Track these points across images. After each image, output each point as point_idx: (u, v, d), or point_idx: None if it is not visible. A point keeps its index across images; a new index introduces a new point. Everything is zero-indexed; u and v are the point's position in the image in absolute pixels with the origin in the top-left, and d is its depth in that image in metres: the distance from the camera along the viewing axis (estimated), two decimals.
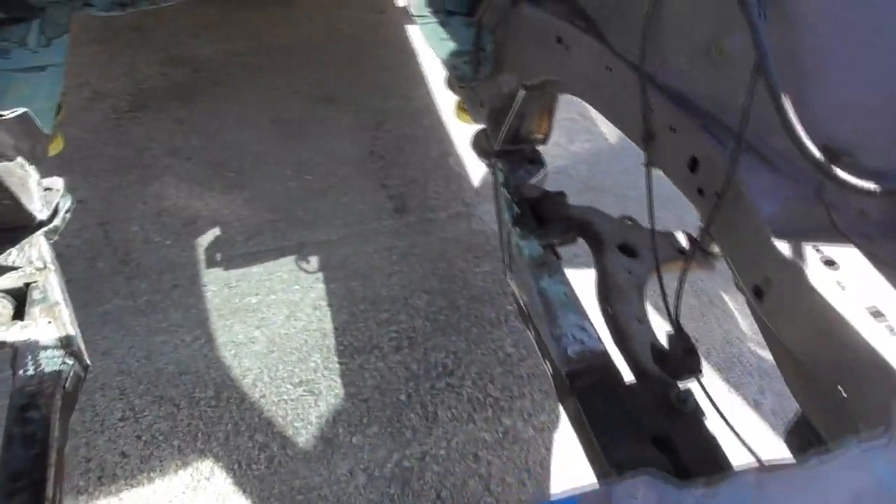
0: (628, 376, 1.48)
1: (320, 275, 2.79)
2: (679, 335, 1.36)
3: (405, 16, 4.05)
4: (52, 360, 1.40)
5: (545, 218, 1.77)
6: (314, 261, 2.83)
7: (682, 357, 1.33)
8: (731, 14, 1.11)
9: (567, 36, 1.51)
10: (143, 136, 3.28)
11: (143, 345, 2.51)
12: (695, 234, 1.88)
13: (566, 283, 1.65)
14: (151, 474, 2.20)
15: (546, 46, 1.57)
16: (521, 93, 1.72)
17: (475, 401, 2.47)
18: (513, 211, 1.78)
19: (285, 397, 2.42)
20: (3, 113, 1.53)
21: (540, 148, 2.04)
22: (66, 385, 1.39)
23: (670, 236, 1.83)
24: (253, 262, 2.80)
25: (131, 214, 2.94)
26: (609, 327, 1.56)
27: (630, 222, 1.86)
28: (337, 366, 2.52)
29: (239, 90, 3.55)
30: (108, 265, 2.75)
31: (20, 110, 1.65)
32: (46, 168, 3.02)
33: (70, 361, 1.42)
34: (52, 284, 1.53)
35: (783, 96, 1.03)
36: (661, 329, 1.59)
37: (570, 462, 2.35)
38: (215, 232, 2.90)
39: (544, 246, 1.71)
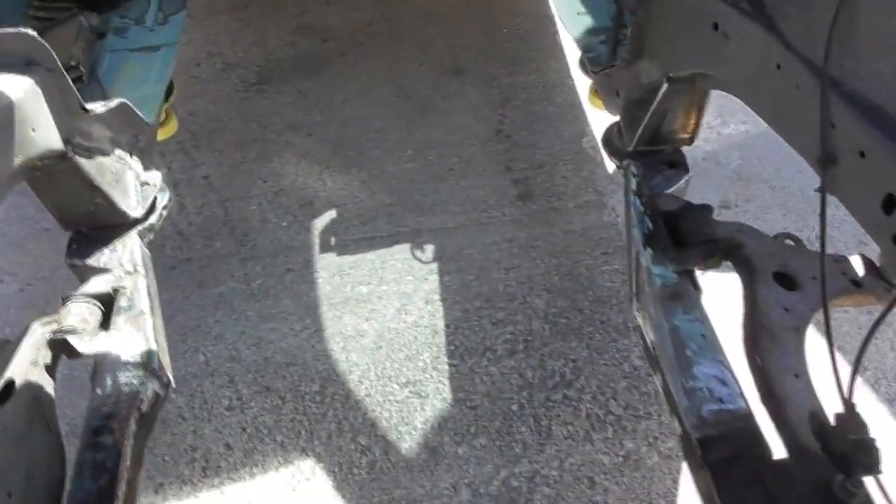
0: (778, 450, 1.19)
1: (434, 265, 2.63)
2: (851, 416, 1.06)
3: None
4: (129, 379, 1.32)
5: (684, 237, 1.48)
6: (429, 250, 2.67)
7: (854, 448, 1.03)
8: None
9: (727, 22, 1.21)
10: (267, 109, 3.23)
11: (253, 331, 2.47)
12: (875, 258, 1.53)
13: (705, 321, 1.37)
14: (254, 469, 2.16)
15: (699, 33, 1.27)
16: (665, 86, 1.43)
17: (594, 418, 2.23)
18: (644, 226, 1.51)
19: (391, 398, 2.30)
20: (93, 107, 1.45)
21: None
22: (143, 407, 1.31)
23: (843, 262, 1.49)
24: (367, 248, 2.68)
25: (251, 193, 2.90)
26: (756, 383, 1.27)
27: (791, 242, 1.53)
28: (446, 367, 2.36)
29: (365, 61, 3.41)
30: (225, 245, 2.73)
31: (116, 101, 1.57)
32: (174, 144, 3.06)
33: (149, 381, 1.33)
34: (139, 291, 1.45)
35: None
36: (825, 385, 1.29)
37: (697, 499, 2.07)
38: (331, 214, 2.80)
39: (681, 272, 1.43)
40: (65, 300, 1.44)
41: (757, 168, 2.84)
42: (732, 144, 2.92)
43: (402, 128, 3.10)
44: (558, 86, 3.21)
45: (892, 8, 0.92)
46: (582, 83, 3.21)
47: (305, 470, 2.15)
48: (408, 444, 2.20)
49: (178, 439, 2.22)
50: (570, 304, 2.50)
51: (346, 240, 2.72)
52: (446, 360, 2.38)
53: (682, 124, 1.54)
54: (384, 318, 2.49)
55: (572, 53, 3.35)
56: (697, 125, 1.55)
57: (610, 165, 2.91)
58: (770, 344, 1.30)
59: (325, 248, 2.70)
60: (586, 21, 2.00)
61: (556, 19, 3.49)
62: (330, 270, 2.63)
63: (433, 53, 3.41)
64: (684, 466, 2.16)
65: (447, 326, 2.46)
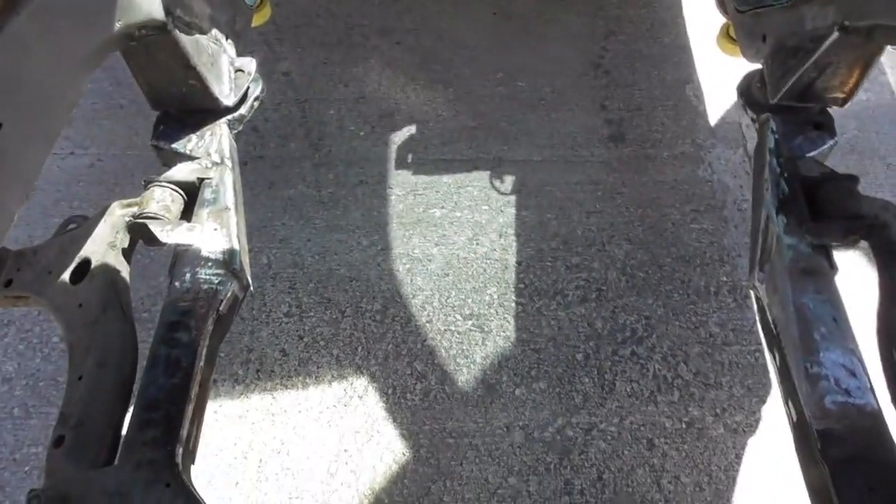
0: None
1: (513, 198, 2.50)
2: None
3: None
4: (209, 276, 1.24)
5: (823, 209, 1.32)
6: (509, 181, 2.54)
7: None
8: None
9: None
10: (357, 10, 3.07)
11: (319, 240, 2.39)
12: None
13: (839, 304, 1.23)
14: (307, 380, 2.12)
15: None
16: (835, 35, 1.25)
17: (661, 379, 2.13)
18: (779, 190, 1.35)
19: (452, 328, 2.22)
20: None
21: None
22: (221, 308, 1.23)
23: None
24: (444, 170, 2.56)
25: (331, 96, 2.78)
26: (889, 380, 1.15)
27: None
28: (513, 305, 2.27)
29: None
30: (299, 147, 2.63)
31: None
32: (256, 35, 2.94)
33: (229, 281, 1.25)
34: (226, 184, 1.37)
35: None
36: None
37: (760, 479, 1.98)
38: (410, 130, 2.67)
39: (816, 247, 1.29)
40: (147, 184, 1.36)
41: (874, 142, 2.61)
42: (849, 113, 2.66)
43: (495, 48, 2.92)
44: (668, 24, 2.98)
45: None
46: (694, 24, 2.97)
47: (359, 387, 2.10)
48: (465, 377, 2.13)
49: (235, 338, 2.19)
50: (651, 259, 2.36)
51: (423, 158, 2.60)
52: (514, 297, 2.28)
53: (842, 82, 1.36)
54: (454, 245, 2.39)
55: None
56: (858, 85, 1.37)
57: (713, 117, 2.71)
58: None
59: (402, 164, 2.58)
60: None
61: None
62: (404, 188, 2.52)
63: None
64: (750, 444, 2.07)
65: (518, 263, 2.35)
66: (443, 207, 2.48)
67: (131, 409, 1.12)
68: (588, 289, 2.30)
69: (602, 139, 2.65)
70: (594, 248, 2.39)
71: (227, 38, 1.58)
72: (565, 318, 2.24)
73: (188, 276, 1.25)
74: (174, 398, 1.10)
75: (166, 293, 1.26)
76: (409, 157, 2.60)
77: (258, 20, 2.04)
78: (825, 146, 1.42)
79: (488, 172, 2.56)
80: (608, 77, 2.82)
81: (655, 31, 2.96)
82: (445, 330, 2.22)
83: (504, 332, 2.22)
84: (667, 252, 2.39)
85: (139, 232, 1.29)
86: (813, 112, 1.48)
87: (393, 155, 2.61)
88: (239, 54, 1.67)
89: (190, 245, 1.28)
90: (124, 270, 1.27)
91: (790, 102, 1.44)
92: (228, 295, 1.25)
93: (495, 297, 2.29)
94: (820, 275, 1.26)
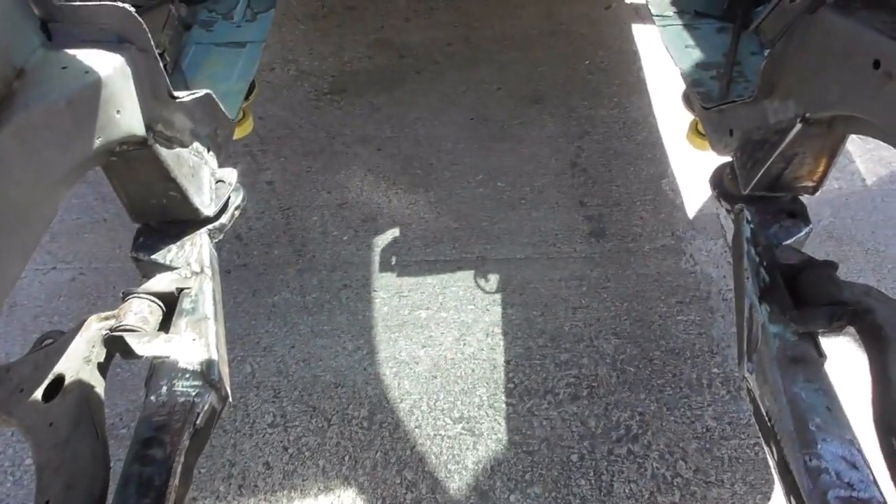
0: None
1: (498, 297, 2.49)
2: None
3: (633, 13, 3.63)
4: (186, 388, 1.21)
5: (805, 296, 1.32)
6: (493, 280, 2.54)
7: None
8: None
9: (891, 60, 1.07)
10: (338, 120, 3.16)
11: (304, 346, 2.36)
12: None
13: (830, 392, 1.21)
14: (292, 493, 2.03)
15: (854, 71, 1.13)
16: (798, 127, 1.29)
17: (661, 478, 2.06)
18: (760, 279, 1.35)
19: (442, 433, 2.16)
20: (180, 95, 1.37)
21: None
22: (198, 421, 1.19)
23: None
24: (428, 271, 2.56)
25: (314, 202, 2.81)
26: (889, 468, 1.11)
27: None
28: (503, 406, 2.21)
29: (442, 81, 3.33)
30: (283, 254, 2.64)
31: (202, 92, 1.49)
32: (241, 146, 3.00)
33: (207, 392, 1.22)
34: (205, 294, 1.35)
35: None
36: None
37: None
38: (394, 233, 2.69)
39: (802, 334, 1.28)
40: (125, 296, 1.35)
41: (850, 228, 2.65)
42: (823, 201, 2.74)
43: (474, 151, 2.99)
44: (640, 123, 3.08)
45: None
46: (666, 122, 3.07)
47: (346, 500, 2.02)
48: (457, 483, 2.05)
49: (217, 452, 2.11)
50: (641, 353, 2.34)
51: (407, 260, 2.61)
52: (504, 398, 2.23)
53: (810, 171, 1.39)
54: (441, 346, 2.36)
55: (657, 90, 3.22)
56: (826, 173, 1.40)
57: (690, 210, 2.76)
58: None
59: (385, 267, 2.59)
60: (695, 55, 1.87)
61: (640, 54, 3.37)
62: (388, 291, 2.51)
63: (511, 79, 3.31)
64: None
65: (507, 362, 2.32)
66: (428, 308, 2.46)
67: None
68: (579, 386, 2.26)
69: (583, 235, 2.68)
70: (582, 344, 2.36)
71: (208, 150, 1.61)
72: (557, 417, 2.19)
73: (164, 388, 1.21)
74: None
75: (142, 408, 1.21)
76: (393, 259, 2.61)
77: (241, 133, 2.09)
78: (801, 233, 1.44)
79: (472, 272, 2.57)
80: (586, 175, 2.89)
81: (628, 129, 3.06)
82: (435, 435, 2.16)
83: (495, 434, 2.16)
84: (656, 345, 2.36)
85: (115, 345, 1.26)
86: (785, 201, 1.50)
87: (377, 258, 2.62)
88: (221, 165, 1.70)
89: (167, 357, 1.25)
90: (99, 386, 1.24)
91: (762, 192, 1.47)
92: (206, 407, 1.21)
93: (485, 398, 2.24)
94: (809, 363, 1.24)
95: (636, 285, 2.52)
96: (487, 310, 2.46)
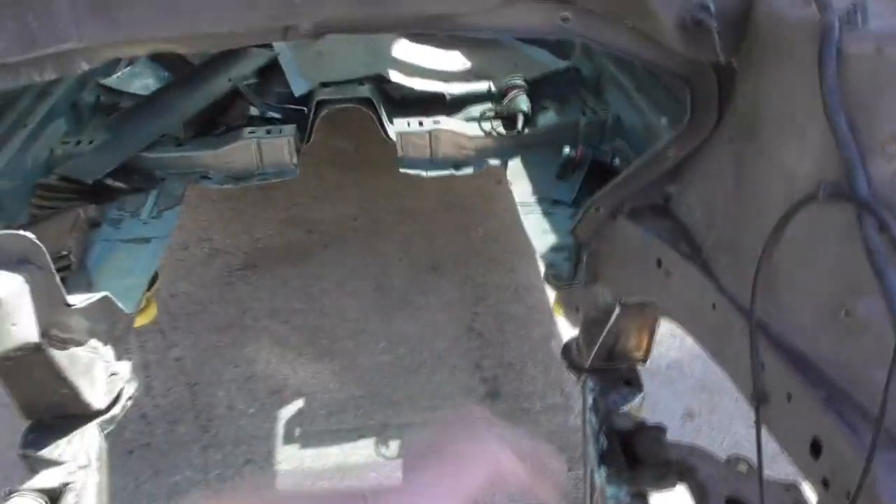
0: None
1: (398, 462, 2.58)
2: None
3: None
4: None
5: (638, 457, 1.51)
6: (394, 446, 2.65)
7: None
8: (862, 272, 0.89)
9: (669, 261, 1.33)
10: (248, 295, 3.32)
11: None
12: None
13: None
14: None
15: (645, 267, 1.39)
16: (618, 309, 1.53)
17: None
18: (600, 444, 1.54)
19: None
20: (76, 300, 1.51)
21: None
22: None
23: (793, 489, 1.51)
24: (331, 441, 2.66)
25: (221, 377, 2.91)
26: None
27: (746, 466, 1.56)
28: None
29: (347, 254, 3.57)
30: (188, 431, 2.69)
31: (99, 295, 1.64)
32: (150, 326, 3.10)
33: None
34: (88, 489, 1.43)
35: None
36: None
37: None
38: (299, 404, 2.80)
39: (635, 494, 1.45)
40: (10, 493, 1.41)
41: (721, 379, 2.89)
42: (695, 354, 3.00)
43: (377, 320, 3.18)
44: (529, 288, 3.35)
45: (806, 270, 1.03)
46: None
47: None
48: None
49: None
50: None
51: (311, 431, 2.70)
52: None
53: (636, 345, 1.63)
54: None
55: None
56: (650, 346, 1.64)
57: None
58: None
59: (289, 439, 2.67)
60: (551, 238, 2.14)
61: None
62: (291, 463, 2.58)
63: (412, 250, 3.58)
64: None
65: None
66: (331, 479, 2.53)
67: None
68: None
69: (480, 396, 2.84)
70: None
71: (104, 345, 1.73)
72: None
73: None
74: None
75: None
76: (297, 430, 2.70)
77: (143, 319, 2.21)
78: (635, 399, 1.65)
79: (374, 439, 2.67)
80: (481, 339, 3.10)
81: (519, 293, 3.33)
82: None
83: None
84: (555, 502, 2.47)
85: None
86: (623, 370, 1.72)
87: (281, 430, 2.70)
88: (118, 356, 1.81)
89: None
90: None
91: (601, 364, 1.69)
92: None
93: None
94: None
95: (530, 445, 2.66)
96: (389, 477, 2.54)
